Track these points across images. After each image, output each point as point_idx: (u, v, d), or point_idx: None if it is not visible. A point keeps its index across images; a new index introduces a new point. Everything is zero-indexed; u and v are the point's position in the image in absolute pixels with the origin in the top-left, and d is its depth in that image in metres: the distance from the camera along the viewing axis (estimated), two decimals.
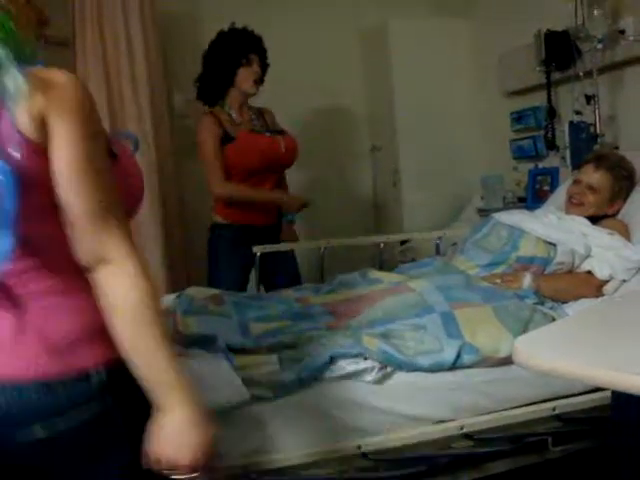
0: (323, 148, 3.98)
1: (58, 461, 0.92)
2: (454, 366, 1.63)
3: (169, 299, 2.06)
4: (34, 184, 0.83)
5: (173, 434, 0.87)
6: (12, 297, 0.88)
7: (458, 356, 1.64)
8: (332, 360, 1.57)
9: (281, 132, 2.74)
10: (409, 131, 3.76)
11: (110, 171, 0.89)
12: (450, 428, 1.59)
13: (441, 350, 1.65)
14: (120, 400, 0.92)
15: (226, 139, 2.56)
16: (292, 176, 3.78)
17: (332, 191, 3.92)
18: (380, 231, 3.61)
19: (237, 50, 2.56)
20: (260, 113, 2.76)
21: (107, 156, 0.91)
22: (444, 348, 1.65)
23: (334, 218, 3.79)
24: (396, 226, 3.76)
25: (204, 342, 1.70)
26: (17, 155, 0.80)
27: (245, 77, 2.58)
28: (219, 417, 1.44)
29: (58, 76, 0.84)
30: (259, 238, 2.60)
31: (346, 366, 1.57)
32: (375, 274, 2.18)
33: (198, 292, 2.09)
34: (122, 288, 0.86)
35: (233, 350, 1.65)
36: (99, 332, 0.89)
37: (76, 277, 0.90)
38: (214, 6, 3.70)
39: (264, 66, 2.67)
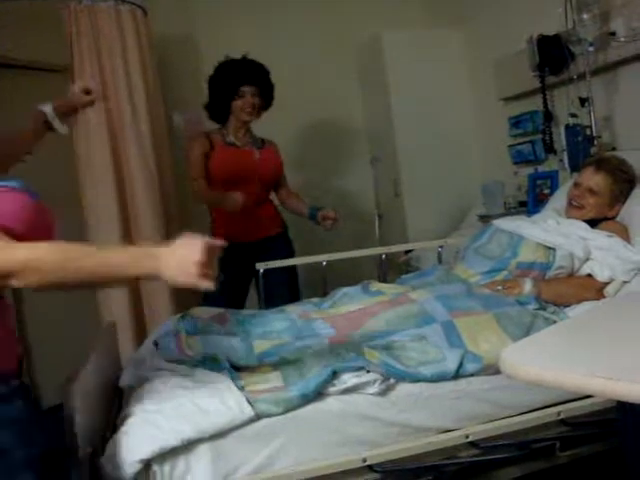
0: (323, 162, 4.01)
1: None
2: (457, 375, 1.64)
3: (173, 320, 2.08)
4: None
5: None
6: None
7: (460, 365, 1.65)
8: (335, 374, 1.58)
9: (263, 146, 2.90)
10: (408, 141, 3.79)
11: None
12: (455, 437, 1.60)
13: (443, 360, 1.66)
14: None
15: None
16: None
17: (334, 204, 3.93)
18: (384, 241, 3.63)
19: (230, 84, 2.74)
20: (260, 141, 2.91)
21: None
22: (446, 357, 1.66)
23: (337, 230, 3.80)
24: (400, 236, 3.77)
25: (208, 362, 1.71)
26: None
27: (239, 108, 2.75)
28: (224, 435, 1.47)
29: None
30: (246, 255, 2.72)
31: (348, 380, 1.58)
32: (376, 286, 2.20)
33: (202, 312, 2.10)
34: None
35: (237, 368, 1.67)
36: None
37: None
38: (210, 26, 3.76)
39: (265, 91, 2.83)
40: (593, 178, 2.24)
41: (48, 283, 1.08)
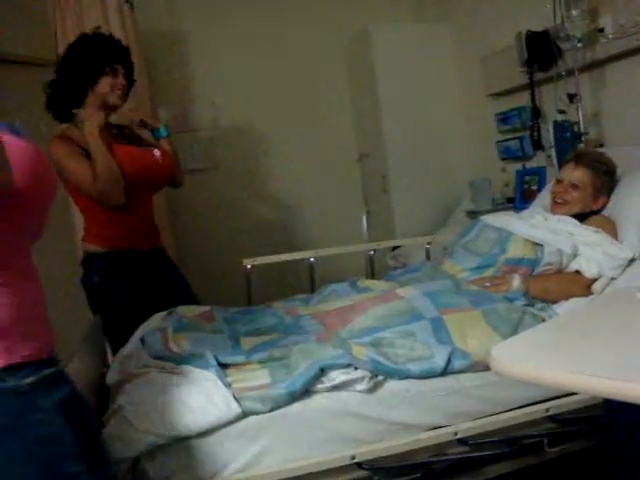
0: (311, 158, 4.00)
1: None
2: (445, 372, 1.64)
3: (160, 316, 2.06)
4: None
5: None
6: None
7: (449, 362, 1.64)
8: (323, 371, 1.57)
9: (152, 145, 2.42)
10: (396, 137, 3.78)
11: None
12: (444, 434, 1.59)
13: (431, 356, 1.65)
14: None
15: (88, 156, 2.16)
16: (280, 188, 3.81)
17: (322, 200, 3.93)
18: (372, 238, 3.63)
19: (103, 56, 2.21)
20: (121, 128, 2.40)
21: None
22: (434, 354, 1.65)
23: (325, 227, 3.81)
24: (388, 232, 3.77)
25: (195, 359, 1.70)
26: None
27: (109, 87, 2.21)
28: (212, 433, 1.46)
29: None
30: (147, 265, 2.34)
31: (337, 377, 1.57)
32: (364, 283, 2.19)
33: (188, 310, 2.09)
34: None
35: (224, 365, 1.66)
36: None
37: None
38: (197, 20, 3.74)
39: (130, 81, 2.33)
40: (574, 174, 2.26)
41: None
